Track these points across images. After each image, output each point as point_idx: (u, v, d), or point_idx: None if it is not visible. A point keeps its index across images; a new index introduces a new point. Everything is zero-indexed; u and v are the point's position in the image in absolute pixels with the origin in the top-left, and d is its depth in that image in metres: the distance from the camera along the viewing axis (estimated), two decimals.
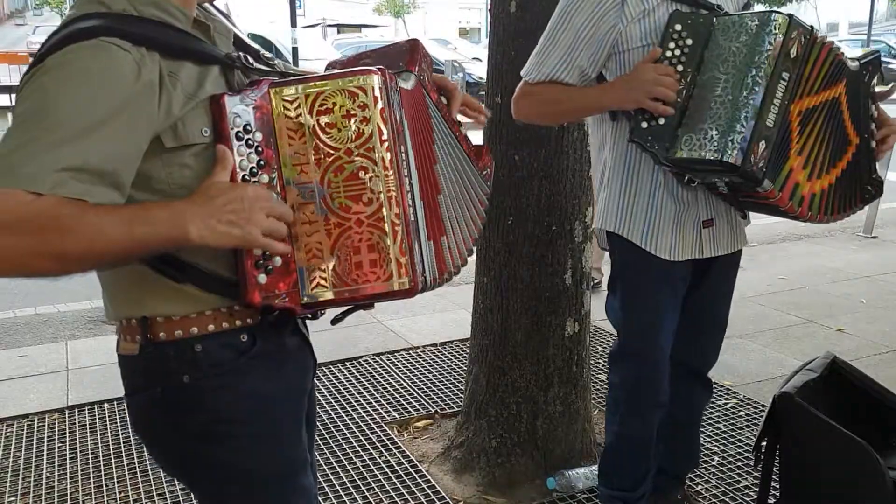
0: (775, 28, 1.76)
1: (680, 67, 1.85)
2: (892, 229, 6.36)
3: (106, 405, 3.33)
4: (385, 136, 1.19)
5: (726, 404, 3.29)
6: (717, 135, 1.76)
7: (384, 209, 1.19)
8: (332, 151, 1.19)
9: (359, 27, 30.96)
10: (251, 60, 1.28)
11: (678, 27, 1.86)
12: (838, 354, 2.55)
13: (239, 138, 1.16)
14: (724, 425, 3.12)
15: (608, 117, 2.03)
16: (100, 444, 3.01)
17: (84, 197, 1.02)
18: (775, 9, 1.87)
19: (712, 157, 1.76)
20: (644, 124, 1.86)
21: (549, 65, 1.97)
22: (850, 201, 1.99)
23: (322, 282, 1.20)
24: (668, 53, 1.85)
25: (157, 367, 1.21)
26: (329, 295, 1.20)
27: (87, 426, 3.16)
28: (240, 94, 1.18)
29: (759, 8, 1.99)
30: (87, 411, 3.29)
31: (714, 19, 1.85)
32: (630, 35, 1.90)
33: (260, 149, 1.18)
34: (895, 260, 5.39)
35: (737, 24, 1.81)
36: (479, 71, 15.62)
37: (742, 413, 3.23)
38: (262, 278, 1.17)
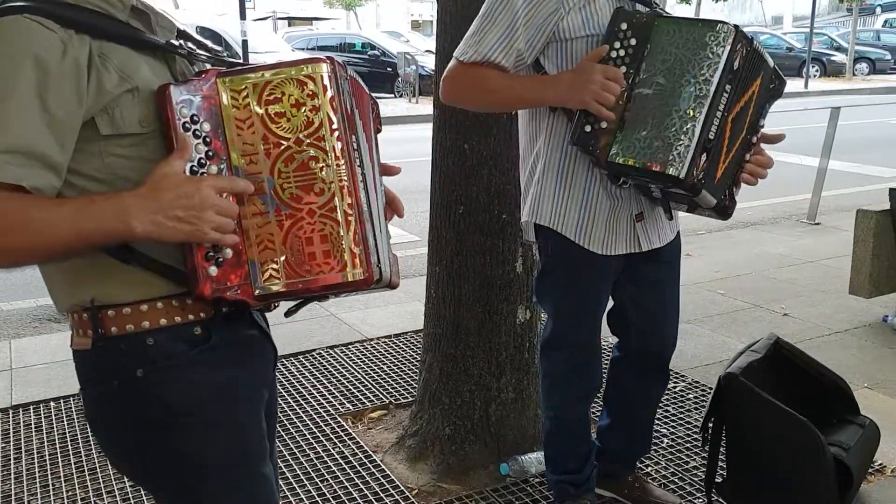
0: (722, 40, 1.73)
1: (623, 69, 1.81)
2: (835, 216, 6.53)
3: (52, 404, 3.25)
4: (335, 126, 1.18)
5: (675, 387, 3.36)
6: (661, 145, 1.74)
7: (336, 199, 1.17)
8: (281, 141, 1.17)
9: (310, 20, 30.62)
10: (194, 48, 1.26)
11: (623, 26, 1.82)
12: (784, 337, 2.63)
13: (186, 129, 1.15)
14: (673, 408, 3.18)
15: (546, 109, 1.99)
16: (45, 444, 2.94)
17: (21, 181, 1.01)
18: (721, 19, 1.84)
19: (656, 169, 1.75)
20: (588, 128, 1.83)
21: (486, 45, 1.89)
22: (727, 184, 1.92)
23: (274, 274, 1.18)
24: (613, 53, 1.82)
25: (109, 362, 1.19)
26: (282, 287, 1.18)
27: (32, 425, 3.09)
28: (186, 84, 1.17)
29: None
30: (31, 410, 3.21)
31: (657, 19, 1.81)
32: (571, 24, 1.87)
33: (208, 139, 1.16)
34: (837, 245, 5.54)
35: (682, 30, 1.77)
36: (433, 63, 15.60)
37: (690, 396, 3.30)
38: (213, 270, 1.16)
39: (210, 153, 1.16)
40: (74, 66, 1.07)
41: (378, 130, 1.42)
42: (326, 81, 1.18)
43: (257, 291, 1.18)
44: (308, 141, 1.17)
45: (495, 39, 1.89)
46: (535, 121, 2.04)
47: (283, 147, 1.17)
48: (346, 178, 1.18)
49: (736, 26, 1.77)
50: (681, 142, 1.73)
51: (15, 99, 1.02)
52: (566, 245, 2.02)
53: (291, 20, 30.52)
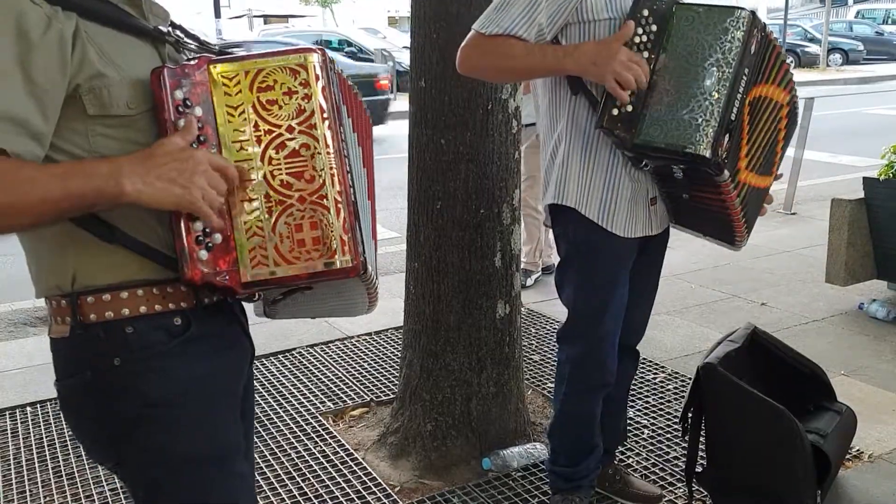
0: (742, 24, 1.79)
1: (645, 54, 1.85)
2: (811, 205, 6.59)
3: (28, 409, 3.21)
4: (326, 114, 1.19)
5: (655, 378, 3.38)
6: (687, 126, 1.79)
7: (327, 186, 1.18)
8: (273, 128, 1.18)
9: (286, 17, 30.47)
10: (182, 35, 1.27)
11: (645, 12, 1.86)
12: (761, 326, 2.65)
13: (179, 112, 1.15)
14: (654, 399, 3.20)
15: (568, 92, 2.00)
16: (23, 449, 2.91)
17: (3, 146, 1.02)
18: (739, 5, 1.91)
19: (684, 149, 1.79)
20: (615, 111, 1.85)
21: (509, 18, 1.89)
22: (751, 222, 2.04)
23: (263, 260, 1.18)
24: (636, 39, 1.85)
25: (87, 350, 1.18)
26: (270, 274, 1.18)
27: (9, 431, 3.04)
28: (179, 68, 1.17)
29: None
30: (8, 416, 3.17)
31: (675, 6, 1.86)
32: (595, 4, 1.90)
33: (200, 124, 1.16)
34: (814, 234, 5.59)
35: (702, 16, 1.83)
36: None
37: (670, 386, 3.32)
38: (204, 254, 1.16)
39: (202, 138, 1.16)
40: (58, 38, 1.07)
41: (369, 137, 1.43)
42: (318, 71, 1.19)
43: (245, 278, 1.18)
44: (300, 129, 1.18)
45: (518, 13, 1.89)
46: (556, 104, 2.05)
47: (274, 134, 1.18)
48: (336, 166, 1.19)
49: (752, 12, 1.83)
50: (707, 122, 1.78)
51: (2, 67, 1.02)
52: (588, 228, 2.04)
53: (267, 18, 30.32)
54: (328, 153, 1.18)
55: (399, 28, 27.94)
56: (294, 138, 1.18)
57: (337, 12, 34.49)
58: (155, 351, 1.19)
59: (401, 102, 14.92)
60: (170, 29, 1.26)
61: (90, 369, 1.19)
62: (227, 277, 1.17)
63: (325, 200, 1.18)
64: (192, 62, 1.19)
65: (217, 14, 13.98)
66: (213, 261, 1.16)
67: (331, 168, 1.18)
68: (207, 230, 1.16)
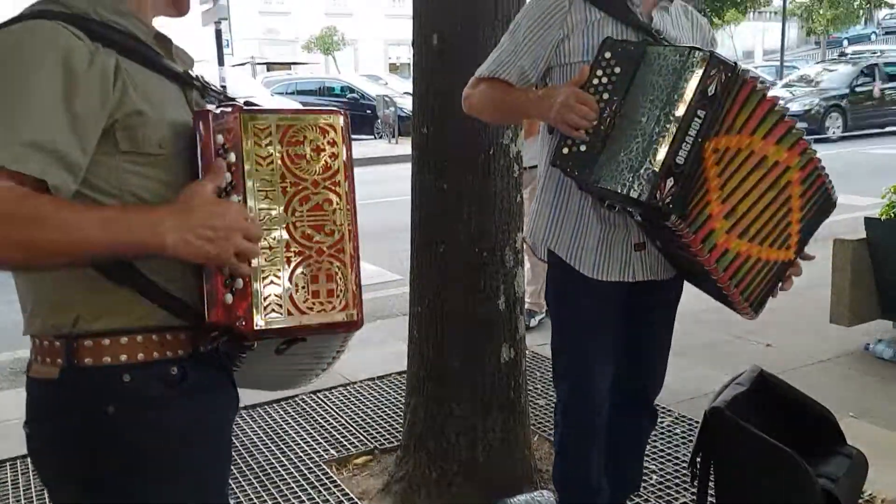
0: (692, 66, 1.73)
1: (606, 96, 1.83)
2: (811, 245, 6.58)
3: (30, 459, 3.17)
4: (348, 173, 1.25)
5: (662, 423, 3.33)
6: (628, 169, 1.76)
7: (345, 241, 1.23)
8: (299, 181, 1.23)
9: (288, 65, 30.88)
10: (207, 82, 1.31)
11: (608, 55, 1.85)
12: (767, 368, 2.62)
13: (219, 155, 1.19)
14: (661, 443, 3.16)
15: (546, 131, 2.05)
16: (23, 500, 2.87)
17: (43, 176, 1.03)
18: (698, 46, 1.85)
19: (621, 191, 1.76)
20: (565, 150, 1.86)
21: (496, 62, 2.01)
22: (759, 296, 1.95)
23: (277, 308, 1.20)
24: (595, 81, 1.84)
25: (77, 394, 1.16)
26: (283, 322, 1.20)
27: (10, 482, 3.01)
28: (215, 113, 1.21)
29: None
30: (9, 466, 3.13)
31: (645, 49, 1.84)
32: (572, 48, 1.94)
33: (232, 170, 1.19)
34: (818, 275, 5.56)
35: (661, 58, 1.80)
36: (411, 105, 15.72)
37: (678, 430, 3.28)
38: (229, 298, 1.18)
39: (233, 183, 1.19)
40: (100, 72, 1.10)
41: None
42: (344, 132, 1.26)
43: (259, 325, 1.19)
44: (325, 184, 1.24)
45: (504, 57, 2.00)
46: (544, 143, 2.10)
47: (300, 187, 1.22)
48: (351, 222, 1.25)
49: (711, 52, 1.76)
50: (643, 166, 1.74)
51: (41, 96, 1.04)
52: (561, 266, 2.05)
53: (270, 65, 30.73)
54: (348, 210, 1.24)
55: (400, 74, 28.30)
56: (318, 193, 1.23)
57: (339, 59, 35.01)
58: (150, 402, 1.18)
59: (402, 146, 15.09)
60: (198, 75, 1.30)
61: (79, 414, 1.16)
62: (244, 323, 1.19)
63: (342, 255, 1.23)
64: (226, 109, 1.23)
65: (220, 62, 14.15)
66: (234, 305, 1.18)
67: (349, 224, 1.24)
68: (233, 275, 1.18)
